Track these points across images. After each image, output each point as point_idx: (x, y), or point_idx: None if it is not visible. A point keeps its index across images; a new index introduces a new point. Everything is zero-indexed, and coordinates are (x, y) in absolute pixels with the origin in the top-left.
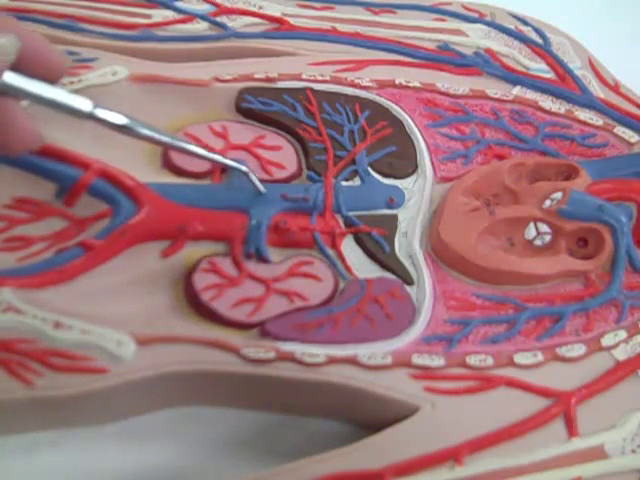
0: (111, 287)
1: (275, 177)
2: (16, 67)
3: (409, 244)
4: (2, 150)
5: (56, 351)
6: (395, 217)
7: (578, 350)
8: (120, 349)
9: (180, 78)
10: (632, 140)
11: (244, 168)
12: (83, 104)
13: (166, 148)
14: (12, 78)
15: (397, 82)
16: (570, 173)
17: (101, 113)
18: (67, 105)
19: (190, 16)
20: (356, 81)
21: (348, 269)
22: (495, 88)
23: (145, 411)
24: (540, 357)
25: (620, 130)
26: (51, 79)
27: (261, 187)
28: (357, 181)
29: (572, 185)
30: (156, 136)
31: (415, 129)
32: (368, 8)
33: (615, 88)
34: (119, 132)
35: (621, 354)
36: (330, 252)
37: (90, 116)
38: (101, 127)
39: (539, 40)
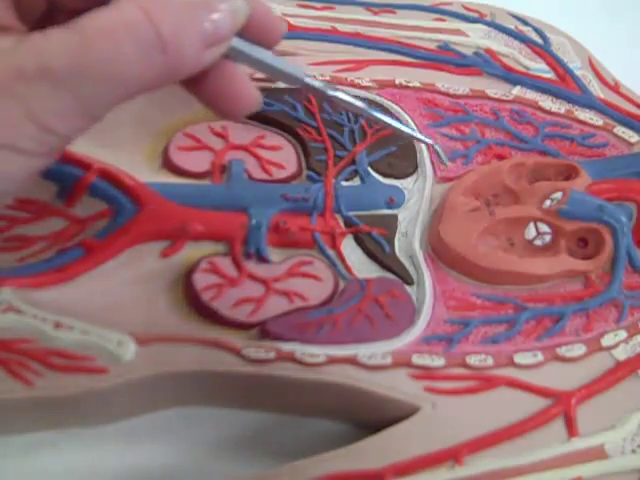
0: (111, 287)
1: (275, 177)
2: (240, 31)
3: (409, 244)
4: (227, 115)
5: (56, 351)
6: (395, 217)
7: (578, 350)
8: (120, 349)
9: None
10: (632, 140)
11: (429, 141)
12: (298, 72)
13: (167, 147)
14: (239, 43)
15: (397, 82)
16: (570, 173)
17: (312, 82)
18: (285, 72)
19: None
20: (356, 81)
21: (348, 269)
22: (495, 88)
23: (145, 411)
24: (540, 357)
25: (620, 130)
26: (269, 45)
27: (445, 159)
28: (357, 181)
29: (572, 185)
30: (365, 109)
31: (415, 129)
32: (368, 8)
33: (615, 88)
34: (328, 101)
35: (621, 354)
36: (330, 252)
37: (303, 84)
38: (101, 127)
39: (539, 40)
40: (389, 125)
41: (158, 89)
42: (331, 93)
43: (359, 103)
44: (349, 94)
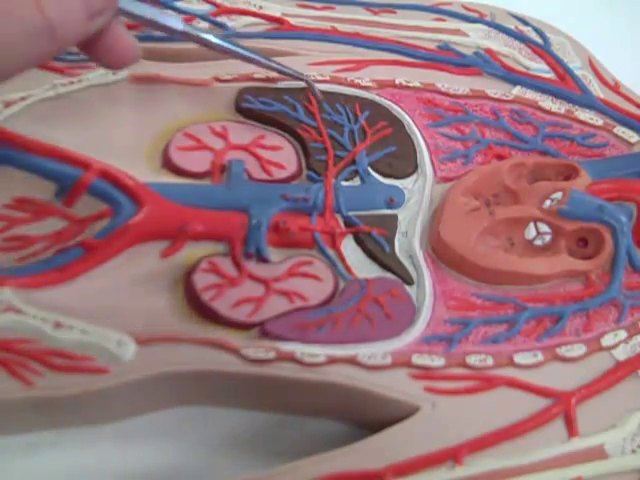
0: (111, 287)
1: (275, 177)
2: None
3: (409, 244)
4: (111, 66)
5: (56, 351)
6: (395, 217)
7: (578, 350)
8: (120, 349)
9: (180, 78)
10: (632, 140)
11: (302, 76)
12: (176, 23)
13: (167, 147)
14: (125, 3)
15: (397, 82)
16: (570, 173)
17: (191, 30)
18: (163, 24)
19: (190, 16)
20: (356, 81)
21: (348, 269)
22: (495, 88)
23: (145, 411)
24: (540, 357)
25: (620, 130)
26: None
27: (319, 94)
28: (357, 181)
29: (572, 185)
30: (240, 51)
31: (415, 129)
32: (368, 8)
33: (615, 88)
34: (208, 48)
35: (621, 354)
36: (330, 252)
37: (183, 33)
38: (101, 126)
39: (539, 40)
40: (265, 65)
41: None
42: (205, 37)
43: (238, 49)
44: (231, 42)
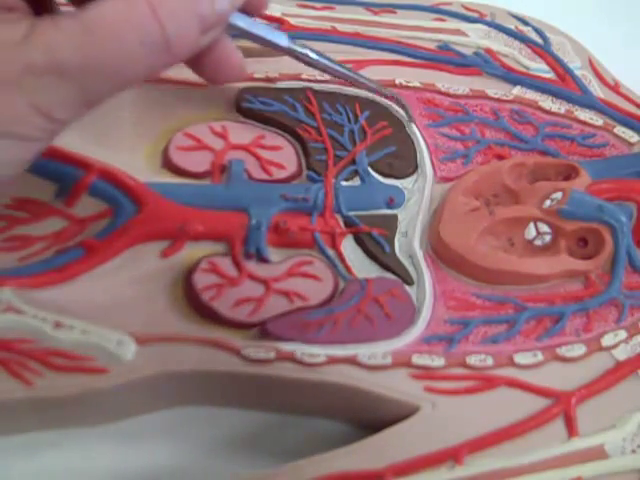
0: (111, 287)
1: (275, 177)
2: None
3: (409, 244)
4: (215, 82)
5: (56, 351)
6: (395, 217)
7: (578, 350)
8: (120, 349)
9: (180, 78)
10: (632, 140)
11: (393, 93)
12: (282, 39)
13: (167, 147)
14: (235, 18)
15: (397, 82)
16: (570, 173)
17: (295, 46)
18: (269, 40)
19: None
20: None
21: (348, 269)
22: (495, 88)
23: (145, 411)
24: (540, 357)
25: (620, 130)
26: (257, 12)
27: (412, 118)
28: (357, 181)
29: (572, 185)
30: (345, 72)
31: (415, 129)
32: (368, 8)
33: (615, 88)
34: (313, 67)
35: (621, 354)
36: (330, 252)
37: (288, 50)
38: (100, 127)
39: (539, 40)
40: (371, 87)
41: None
42: (315, 57)
43: (339, 68)
44: (331, 60)
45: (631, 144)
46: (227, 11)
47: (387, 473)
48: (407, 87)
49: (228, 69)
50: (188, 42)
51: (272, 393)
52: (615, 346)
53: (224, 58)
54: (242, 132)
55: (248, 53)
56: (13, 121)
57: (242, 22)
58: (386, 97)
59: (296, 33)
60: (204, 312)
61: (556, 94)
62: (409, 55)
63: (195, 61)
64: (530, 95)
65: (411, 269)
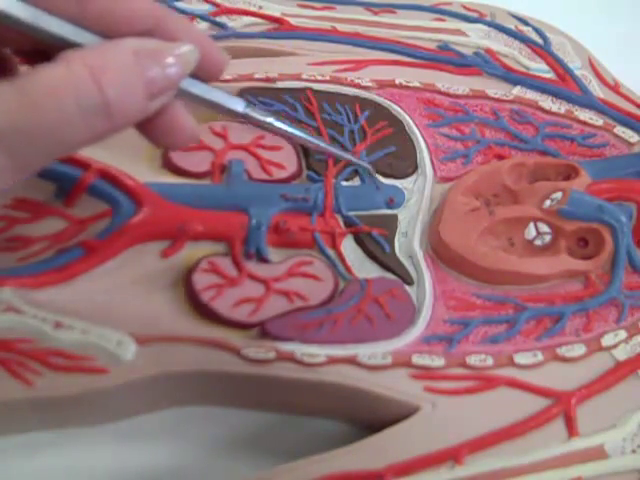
0: (111, 287)
1: (275, 177)
2: None
3: (409, 244)
4: (165, 146)
5: (56, 351)
6: (395, 217)
7: (578, 350)
8: (120, 349)
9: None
10: (632, 140)
11: (368, 166)
12: (238, 105)
13: (167, 150)
14: (187, 83)
15: (397, 82)
16: (570, 173)
17: (253, 113)
18: (225, 107)
19: (190, 16)
20: (356, 81)
21: (348, 269)
22: (495, 88)
23: (145, 411)
24: (540, 357)
25: (620, 130)
26: (210, 78)
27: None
28: (357, 181)
29: (572, 185)
30: (302, 136)
31: (415, 129)
32: (368, 8)
33: (615, 88)
34: (269, 131)
35: (621, 354)
36: (330, 252)
37: (244, 116)
38: None
39: (539, 40)
40: (330, 152)
41: None
42: (271, 122)
43: (298, 132)
44: (290, 124)
45: (631, 144)
46: (178, 76)
47: (387, 473)
48: (407, 87)
49: (178, 134)
50: (132, 108)
51: (272, 393)
52: (615, 346)
53: (174, 123)
54: (242, 132)
55: (248, 53)
56: None
57: (195, 88)
58: (350, 163)
59: (296, 33)
60: (204, 312)
61: (556, 94)
62: (409, 55)
63: (143, 126)
64: (530, 95)
65: (411, 269)
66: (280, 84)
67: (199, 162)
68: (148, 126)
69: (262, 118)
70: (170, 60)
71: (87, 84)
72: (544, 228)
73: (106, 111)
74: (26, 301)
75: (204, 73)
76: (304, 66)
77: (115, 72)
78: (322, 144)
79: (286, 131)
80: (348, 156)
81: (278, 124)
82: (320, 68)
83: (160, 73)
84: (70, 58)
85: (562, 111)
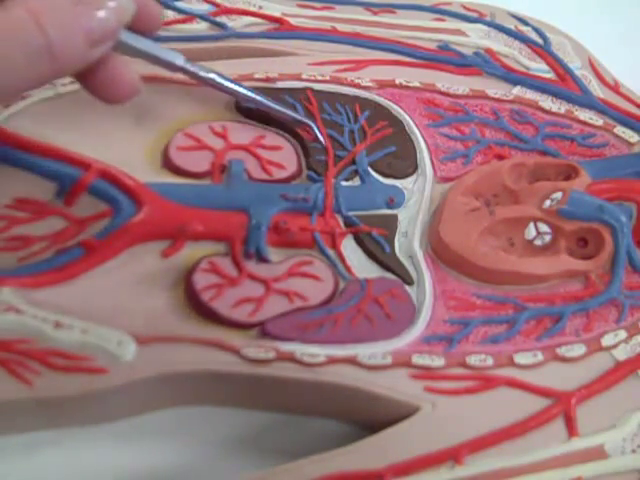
0: (111, 287)
1: (275, 177)
2: None
3: (409, 244)
4: (109, 101)
5: (56, 351)
6: (395, 217)
7: (578, 350)
8: (120, 349)
9: (180, 78)
10: (632, 140)
11: (310, 123)
12: (177, 58)
13: (167, 147)
14: (123, 35)
15: (397, 82)
16: (570, 173)
17: (191, 67)
18: (164, 59)
19: (190, 16)
20: (356, 81)
21: (348, 269)
22: (495, 88)
23: (145, 411)
24: (540, 357)
25: (620, 130)
26: (150, 32)
27: (322, 140)
28: (357, 181)
29: (572, 185)
30: (240, 90)
31: (415, 129)
32: (368, 8)
33: (615, 88)
34: (205, 85)
35: (621, 354)
36: (330, 252)
37: (182, 69)
38: (100, 127)
39: (539, 40)
40: (267, 106)
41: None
42: (204, 75)
43: (234, 85)
44: (225, 77)
45: (631, 144)
46: (116, 23)
47: (387, 473)
48: (407, 87)
49: (121, 87)
50: (74, 52)
51: (272, 393)
52: (615, 346)
53: (117, 76)
54: (242, 132)
55: (248, 53)
56: None
57: (134, 41)
58: (297, 123)
59: (296, 33)
60: (204, 312)
61: (556, 94)
62: (409, 55)
63: (86, 79)
64: (530, 95)
65: (411, 269)
66: (280, 84)
67: (199, 162)
68: (90, 78)
69: (202, 73)
70: (110, 3)
71: (29, 25)
72: (544, 228)
73: (49, 52)
74: (26, 301)
75: (142, 26)
76: (304, 66)
77: (55, 14)
78: (264, 100)
79: (225, 86)
80: (289, 112)
81: (219, 80)
82: (320, 68)
83: (98, 20)
84: (10, 4)
85: (562, 111)
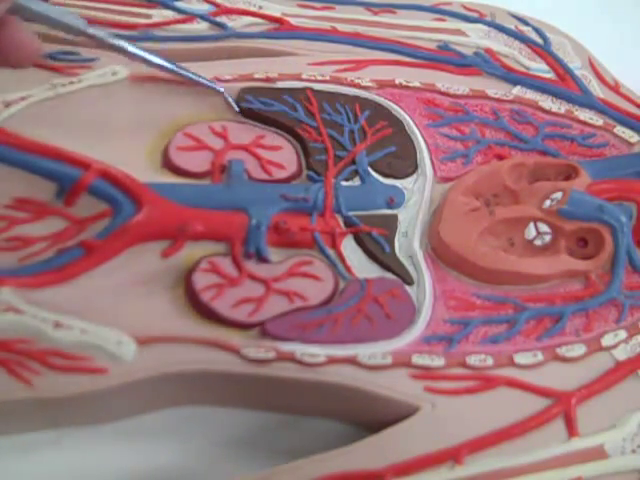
0: (111, 287)
1: (275, 177)
2: None
3: (409, 244)
4: (13, 65)
5: (56, 351)
6: (395, 217)
7: (578, 350)
8: (120, 349)
9: (180, 78)
10: (632, 140)
11: (220, 89)
12: (78, 22)
13: (167, 147)
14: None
15: (397, 82)
16: (570, 173)
17: (92, 30)
18: (64, 23)
19: (190, 16)
20: (356, 81)
21: (348, 269)
22: (495, 88)
23: (145, 411)
24: (540, 357)
25: (620, 130)
26: None
27: (235, 106)
28: (357, 181)
29: (572, 185)
30: (145, 56)
31: (415, 129)
32: (368, 8)
33: (615, 88)
34: (110, 50)
35: (621, 354)
36: (330, 252)
37: (84, 33)
38: (100, 127)
39: (539, 40)
40: (178, 74)
41: None
42: (112, 42)
43: (142, 52)
44: (134, 45)
45: (631, 144)
46: None
47: (387, 473)
48: (407, 87)
49: (20, 50)
50: None
51: (272, 393)
52: (615, 346)
53: (15, 39)
54: (242, 132)
55: (248, 53)
56: None
57: (34, 4)
58: (209, 88)
59: (296, 33)
60: (204, 312)
61: (556, 94)
62: (409, 55)
63: None
64: (530, 95)
65: (411, 269)
66: (280, 84)
67: (199, 162)
68: None
69: (107, 39)
70: None
71: None
72: (544, 228)
73: None
74: (26, 301)
75: None
76: (304, 66)
77: None
78: (173, 67)
79: (131, 52)
80: (203, 80)
81: (120, 44)
82: (320, 68)
83: None
84: None
85: (562, 111)
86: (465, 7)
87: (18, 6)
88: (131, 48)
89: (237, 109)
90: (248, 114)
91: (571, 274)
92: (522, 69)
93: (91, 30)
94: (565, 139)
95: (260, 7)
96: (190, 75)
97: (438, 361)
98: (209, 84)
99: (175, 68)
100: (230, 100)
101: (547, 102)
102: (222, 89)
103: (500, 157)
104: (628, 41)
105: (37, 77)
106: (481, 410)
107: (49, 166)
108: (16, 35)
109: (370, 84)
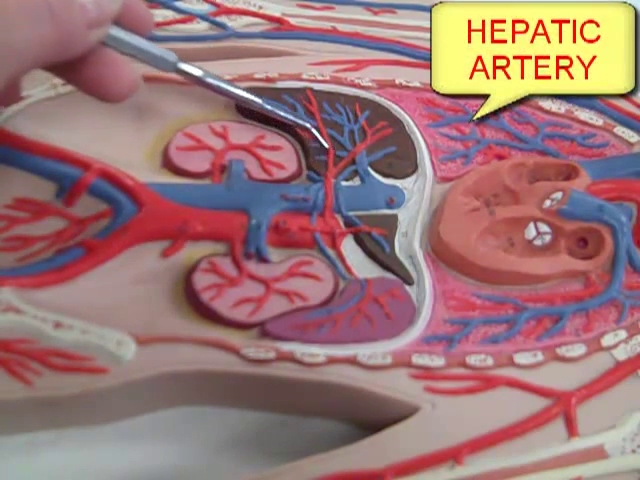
0: (111, 287)
1: (275, 177)
2: (115, 20)
3: (409, 244)
4: (107, 98)
5: (56, 351)
6: (395, 217)
7: (578, 350)
8: (120, 349)
9: (180, 78)
10: (632, 140)
11: (308, 125)
12: (170, 56)
13: (167, 147)
14: (117, 31)
15: (397, 82)
16: (570, 173)
17: (184, 66)
18: (158, 57)
19: (190, 16)
20: (356, 81)
21: (348, 269)
22: None
23: (145, 411)
24: (540, 357)
25: (620, 130)
26: (142, 33)
27: (325, 143)
28: (357, 181)
29: (572, 185)
30: (232, 90)
31: (415, 129)
32: (368, 8)
33: None
34: (198, 84)
35: (621, 354)
36: (330, 252)
37: (175, 68)
38: (100, 127)
39: None
40: (265, 110)
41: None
42: (199, 76)
43: (232, 88)
44: (224, 81)
45: (631, 144)
46: (109, 7)
47: (387, 473)
48: (407, 87)
49: (119, 84)
50: (73, 18)
51: (272, 393)
52: (615, 346)
53: (114, 72)
54: (242, 132)
55: (248, 53)
56: None
57: (128, 37)
58: (297, 126)
59: (296, 33)
60: (204, 312)
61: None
62: (409, 55)
63: (83, 76)
64: None
65: (411, 269)
66: (280, 84)
67: (199, 162)
68: (88, 75)
69: (198, 74)
70: None
71: None
72: (544, 228)
73: (50, 14)
74: (26, 301)
75: (134, 26)
76: (304, 66)
77: None
78: (262, 103)
79: (223, 89)
80: (289, 116)
81: (212, 80)
82: (320, 68)
83: (92, 1)
84: None
85: (562, 111)
86: None
87: (114, 39)
88: (230, 87)
89: (326, 145)
90: (248, 114)
91: (571, 274)
92: None
93: (185, 67)
94: (565, 139)
95: (260, 7)
96: (282, 114)
97: (438, 361)
98: (300, 122)
99: (270, 108)
100: (316, 134)
101: (547, 102)
102: (309, 125)
103: (500, 157)
104: None
105: (37, 77)
106: (481, 410)
107: (49, 166)
108: (115, 68)
109: (370, 84)
